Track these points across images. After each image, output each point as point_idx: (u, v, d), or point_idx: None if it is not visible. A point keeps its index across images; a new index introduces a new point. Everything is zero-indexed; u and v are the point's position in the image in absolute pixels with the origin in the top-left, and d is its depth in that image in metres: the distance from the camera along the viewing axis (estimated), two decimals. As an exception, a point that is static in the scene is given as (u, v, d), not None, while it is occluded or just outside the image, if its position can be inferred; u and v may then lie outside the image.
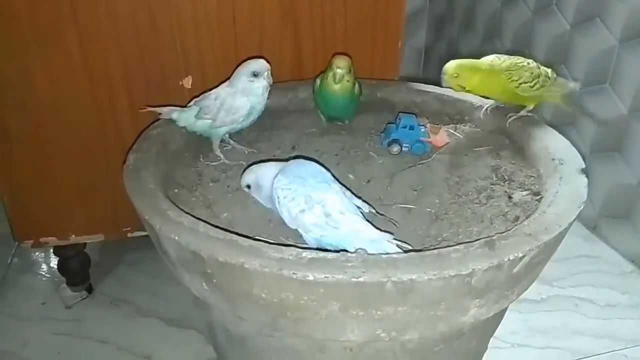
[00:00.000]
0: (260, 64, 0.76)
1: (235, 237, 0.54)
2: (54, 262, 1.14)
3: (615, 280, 1.10)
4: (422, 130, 0.80)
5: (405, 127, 0.79)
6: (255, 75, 0.76)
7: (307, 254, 0.51)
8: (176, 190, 0.69)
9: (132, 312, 1.04)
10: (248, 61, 0.78)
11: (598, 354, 0.94)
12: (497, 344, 0.94)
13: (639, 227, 1.12)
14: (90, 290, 1.08)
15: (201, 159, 0.77)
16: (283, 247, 0.52)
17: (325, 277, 0.49)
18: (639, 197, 1.10)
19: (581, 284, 1.09)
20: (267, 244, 0.53)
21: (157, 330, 1.00)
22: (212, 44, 0.92)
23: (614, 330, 0.98)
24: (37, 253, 1.19)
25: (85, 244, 1.04)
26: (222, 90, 0.77)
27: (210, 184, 0.72)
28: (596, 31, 1.14)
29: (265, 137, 0.83)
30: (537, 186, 0.67)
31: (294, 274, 0.49)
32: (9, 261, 1.17)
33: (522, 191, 0.67)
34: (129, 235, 1.00)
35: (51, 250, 1.16)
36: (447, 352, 0.63)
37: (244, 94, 0.76)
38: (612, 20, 1.10)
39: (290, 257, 0.51)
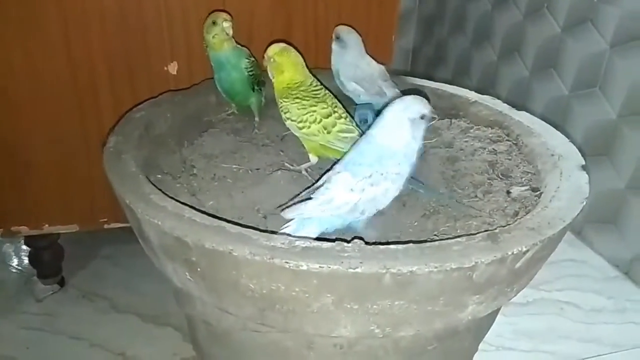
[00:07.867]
0: None
1: (223, 223, 0.50)
2: (24, 253, 1.09)
3: (600, 285, 1.09)
4: None
5: (360, 122, 0.72)
6: None
7: (300, 242, 0.48)
8: (159, 177, 0.66)
9: (106, 307, 0.99)
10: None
11: (584, 358, 0.92)
12: (483, 346, 0.92)
13: (624, 233, 1.11)
14: (62, 283, 1.03)
15: (185, 146, 0.74)
16: (274, 235, 0.49)
17: (320, 267, 0.46)
18: (626, 202, 1.09)
19: (566, 288, 1.07)
20: (257, 232, 0.49)
21: (132, 326, 0.96)
22: (200, 30, 0.88)
23: (599, 334, 0.97)
24: (6, 244, 1.14)
25: (58, 234, 0.99)
26: None
27: (195, 172, 0.68)
28: (587, 35, 1.14)
29: (253, 127, 0.80)
30: (535, 182, 0.66)
31: (286, 262, 0.46)
32: (-23, 252, 1.11)
33: (520, 186, 0.65)
34: (106, 226, 0.96)
35: (22, 241, 1.11)
36: (440, 352, 0.60)
37: None
38: (604, 24, 1.10)
39: (283, 246, 0.48)
